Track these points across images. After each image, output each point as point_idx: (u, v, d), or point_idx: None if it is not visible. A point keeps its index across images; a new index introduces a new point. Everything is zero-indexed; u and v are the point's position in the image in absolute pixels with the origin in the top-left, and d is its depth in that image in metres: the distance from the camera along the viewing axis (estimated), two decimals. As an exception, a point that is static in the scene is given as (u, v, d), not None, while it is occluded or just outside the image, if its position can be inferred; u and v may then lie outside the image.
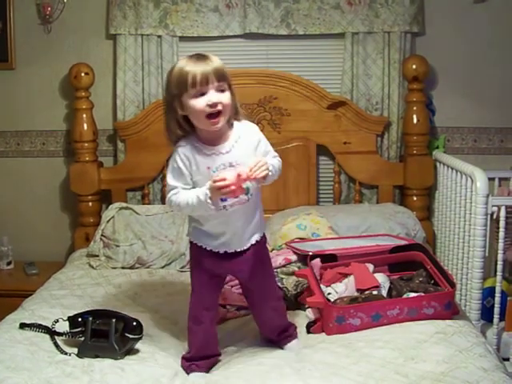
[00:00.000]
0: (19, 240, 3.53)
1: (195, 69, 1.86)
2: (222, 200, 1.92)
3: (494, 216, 2.72)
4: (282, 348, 2.15)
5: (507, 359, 2.65)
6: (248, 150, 1.97)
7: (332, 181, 3.43)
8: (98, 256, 3.04)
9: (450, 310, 2.23)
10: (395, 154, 3.41)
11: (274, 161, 2.02)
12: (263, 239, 2.11)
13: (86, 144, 3.33)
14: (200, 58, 1.90)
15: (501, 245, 2.73)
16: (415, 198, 3.31)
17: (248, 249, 2.04)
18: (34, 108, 3.55)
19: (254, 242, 2.04)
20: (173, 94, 1.91)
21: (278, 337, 2.17)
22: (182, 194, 1.94)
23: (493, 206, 2.69)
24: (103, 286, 2.75)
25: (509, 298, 2.80)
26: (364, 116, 3.33)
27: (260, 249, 2.09)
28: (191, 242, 2.08)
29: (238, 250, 2.02)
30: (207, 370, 2.04)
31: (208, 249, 2.02)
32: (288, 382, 1.88)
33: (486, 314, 2.81)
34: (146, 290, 2.70)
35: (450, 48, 3.39)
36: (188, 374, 2.02)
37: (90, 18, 3.45)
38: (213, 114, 1.88)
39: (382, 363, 1.94)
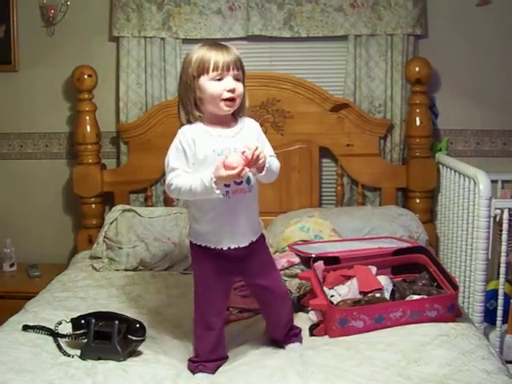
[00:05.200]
0: (22, 242, 3.54)
1: (218, 54, 1.95)
2: (226, 185, 1.94)
3: (497, 218, 2.72)
4: (284, 347, 2.15)
5: (510, 362, 2.64)
6: (250, 139, 2.01)
7: (335, 183, 3.43)
8: (100, 258, 3.05)
9: (453, 313, 2.23)
10: (398, 156, 3.40)
11: (271, 158, 2.03)
12: (263, 238, 2.13)
13: (89, 146, 3.33)
14: (222, 45, 1.99)
15: (504, 247, 2.73)
16: (418, 201, 3.31)
17: (251, 245, 2.04)
18: (37, 110, 3.55)
19: (254, 239, 2.06)
20: (192, 75, 1.97)
21: (284, 336, 2.17)
22: (184, 178, 1.95)
23: (496, 208, 2.69)
24: (106, 288, 2.75)
25: (511, 301, 2.81)
26: (367, 118, 3.33)
27: (262, 247, 2.12)
28: (193, 245, 2.07)
29: (242, 245, 2.02)
30: (214, 371, 2.04)
31: (212, 247, 2.02)
32: (291, 384, 1.88)
33: (489, 317, 2.80)
34: (148, 292, 2.71)
35: (452, 50, 3.39)
36: (194, 374, 2.02)
37: (93, 20, 3.45)
38: (228, 99, 1.95)
39: (384, 366, 1.94)
